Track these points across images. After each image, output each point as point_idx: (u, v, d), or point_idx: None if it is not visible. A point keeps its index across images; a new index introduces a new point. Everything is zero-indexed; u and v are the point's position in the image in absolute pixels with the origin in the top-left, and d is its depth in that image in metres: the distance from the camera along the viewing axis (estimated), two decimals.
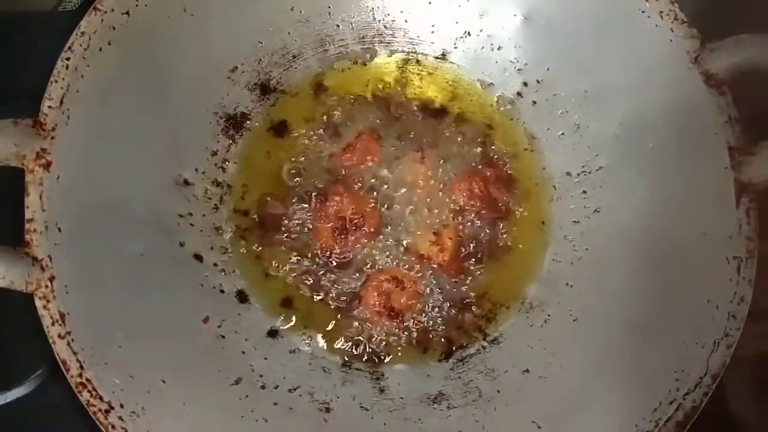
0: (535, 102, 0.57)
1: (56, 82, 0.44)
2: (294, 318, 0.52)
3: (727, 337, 0.43)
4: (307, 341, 0.51)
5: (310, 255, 0.53)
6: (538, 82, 0.57)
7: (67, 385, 0.49)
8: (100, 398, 0.40)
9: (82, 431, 0.52)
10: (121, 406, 0.40)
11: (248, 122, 0.56)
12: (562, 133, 0.56)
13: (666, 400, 0.42)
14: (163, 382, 0.43)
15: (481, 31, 0.58)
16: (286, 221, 0.54)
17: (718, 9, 0.56)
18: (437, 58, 0.59)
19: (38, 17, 0.63)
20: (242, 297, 0.52)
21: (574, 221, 0.54)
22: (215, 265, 0.52)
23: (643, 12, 0.49)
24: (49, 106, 0.43)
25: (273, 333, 0.51)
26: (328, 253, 0.53)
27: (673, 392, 0.42)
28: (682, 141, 0.49)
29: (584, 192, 0.55)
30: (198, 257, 0.51)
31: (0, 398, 0.54)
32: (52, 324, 0.40)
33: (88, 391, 0.40)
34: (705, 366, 0.42)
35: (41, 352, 0.52)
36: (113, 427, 0.40)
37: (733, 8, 0.58)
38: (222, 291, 0.51)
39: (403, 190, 0.54)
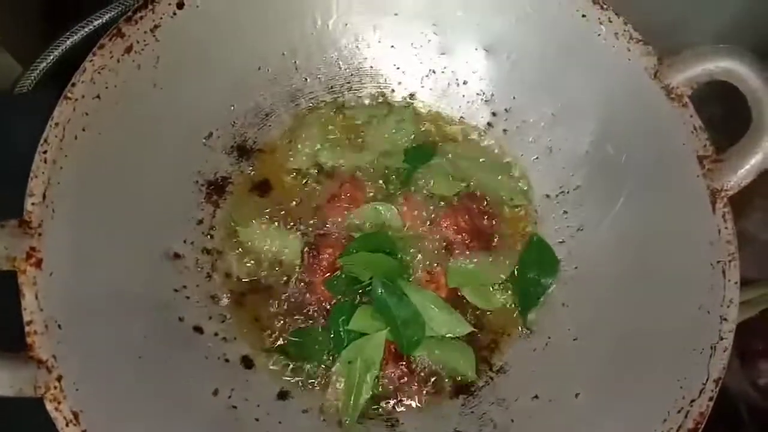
0: (506, 130, 0.59)
1: (36, 177, 0.43)
2: (302, 375, 0.52)
3: (722, 340, 0.44)
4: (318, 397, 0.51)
5: (306, 311, 0.53)
6: (506, 110, 0.59)
7: None
8: None
9: None
10: None
11: (230, 185, 0.56)
12: (536, 158, 0.58)
13: (674, 409, 0.43)
14: None
15: (445, 68, 0.59)
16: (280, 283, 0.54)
17: (673, 24, 0.59)
18: (406, 98, 0.60)
19: None
20: (247, 363, 0.51)
21: (560, 241, 0.56)
22: (216, 334, 0.51)
23: (599, 35, 0.51)
24: (33, 203, 0.43)
25: (283, 395, 0.51)
26: (326, 305, 0.53)
27: (680, 401, 0.43)
28: (652, 154, 0.51)
29: (565, 212, 0.56)
30: (198, 329, 0.51)
31: None
32: (66, 425, 0.40)
33: None
34: (706, 372, 0.44)
35: None
36: None
37: (686, 22, 0.61)
38: (227, 360, 0.51)
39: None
